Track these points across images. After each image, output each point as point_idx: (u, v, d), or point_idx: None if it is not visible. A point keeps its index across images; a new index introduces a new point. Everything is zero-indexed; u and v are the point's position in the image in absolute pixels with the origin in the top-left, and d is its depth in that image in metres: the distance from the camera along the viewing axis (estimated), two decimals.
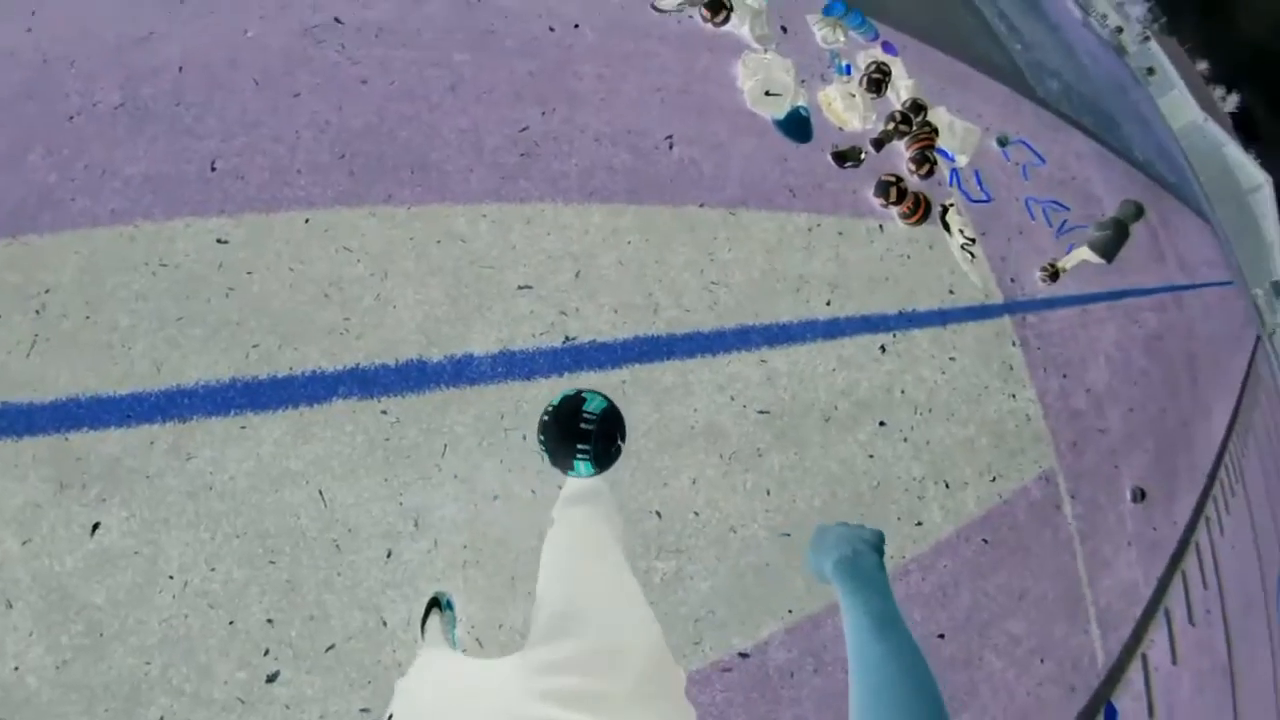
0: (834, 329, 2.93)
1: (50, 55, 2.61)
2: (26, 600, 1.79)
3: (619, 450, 1.20)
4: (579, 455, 1.16)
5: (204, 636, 1.78)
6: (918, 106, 4.30)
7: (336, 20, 2.67)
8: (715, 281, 2.65)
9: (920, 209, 3.76)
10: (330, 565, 1.89)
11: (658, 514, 2.26)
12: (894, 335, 3.21)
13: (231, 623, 1.79)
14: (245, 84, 2.51)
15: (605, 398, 1.19)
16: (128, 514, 1.87)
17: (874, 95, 4.18)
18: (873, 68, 4.26)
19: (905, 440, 2.99)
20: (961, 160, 4.82)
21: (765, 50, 3.69)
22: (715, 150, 2.98)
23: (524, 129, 2.58)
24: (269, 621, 1.80)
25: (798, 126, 3.48)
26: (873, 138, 3.97)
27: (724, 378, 2.54)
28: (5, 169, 2.34)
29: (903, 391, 3.12)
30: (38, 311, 2.10)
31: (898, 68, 4.57)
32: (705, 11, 3.51)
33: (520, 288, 2.29)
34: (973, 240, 4.23)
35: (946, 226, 4.13)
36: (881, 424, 2.96)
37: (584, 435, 1.16)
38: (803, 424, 2.69)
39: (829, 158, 3.54)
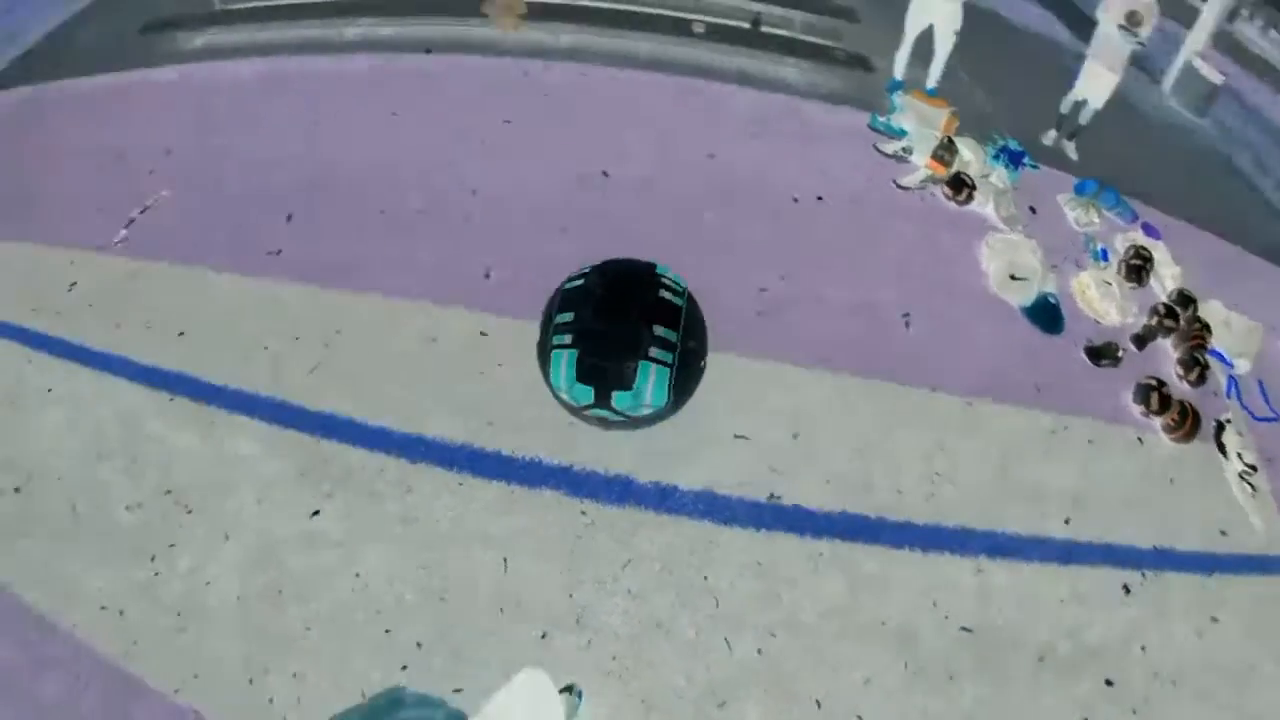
0: (1071, 553, 2.60)
1: (374, 163, 3.48)
2: (240, 541, 2.40)
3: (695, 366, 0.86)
4: (651, 359, 0.77)
5: (360, 631, 2.14)
6: (1185, 299, 3.86)
7: (604, 174, 3.20)
8: (939, 473, 2.53)
9: (1188, 422, 3.28)
10: (490, 625, 2.14)
11: (817, 703, 2.09)
12: (1143, 575, 2.74)
13: (388, 631, 2.13)
14: (522, 212, 3.15)
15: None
16: (345, 514, 2.38)
17: (1134, 284, 3.84)
18: (1132, 253, 3.94)
19: (1134, 713, 2.47)
20: (1241, 366, 4.14)
21: (1012, 231, 3.65)
22: (955, 333, 2.94)
23: (763, 289, 2.80)
24: (418, 645, 2.10)
25: (1047, 315, 3.32)
26: (1133, 334, 3.61)
27: (931, 579, 2.35)
28: (331, 239, 3.12)
29: (1143, 648, 2.61)
30: (325, 345, 2.80)
31: (1161, 253, 4.18)
32: (947, 189, 3.60)
33: (737, 436, 2.40)
34: (1254, 469, 3.56)
35: (1222, 448, 3.54)
36: (1109, 683, 2.48)
37: (671, 317, 0.79)
38: (1011, 656, 2.36)
39: (1082, 353, 3.30)
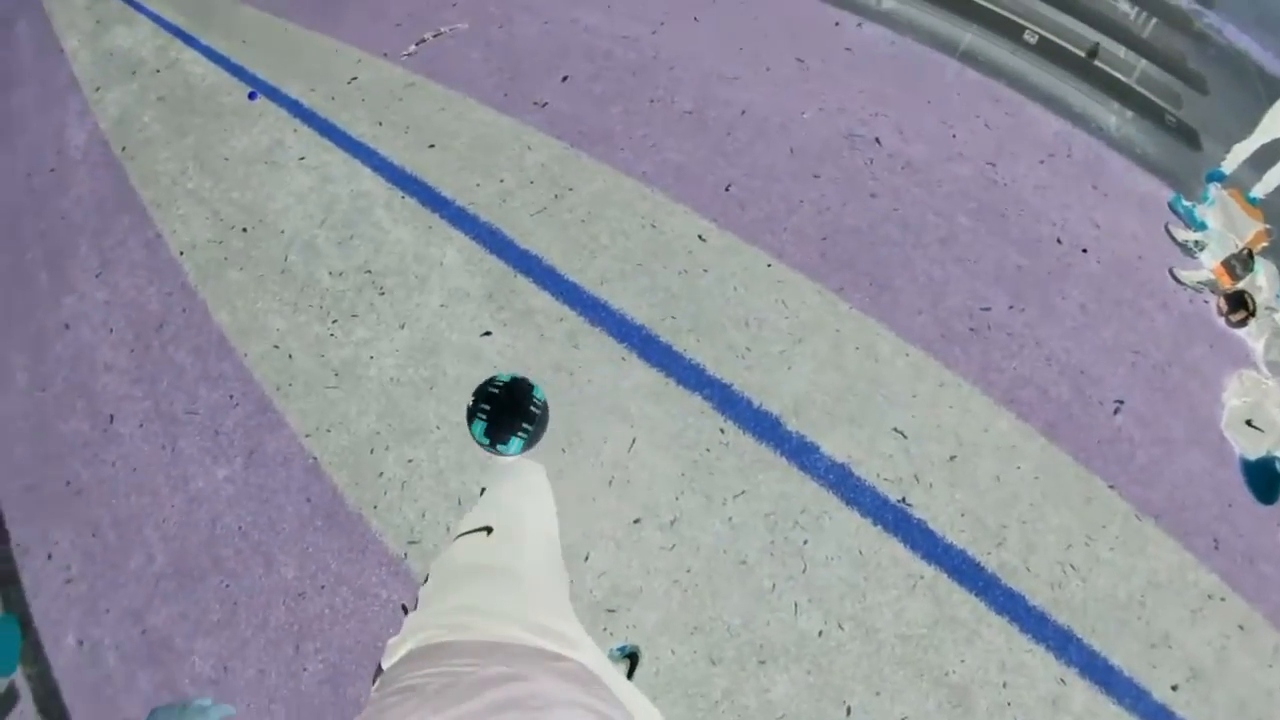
0: (1162, 716, 1.99)
1: (660, 54, 3.13)
2: (413, 332, 2.41)
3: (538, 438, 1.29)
4: (519, 433, 1.21)
5: (477, 448, 2.04)
6: None
7: (877, 140, 2.73)
8: (1075, 566, 2.12)
9: None
10: (594, 490, 2.04)
11: (847, 708, 1.80)
12: None
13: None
14: (783, 146, 2.74)
15: (488, 404, 1.24)
16: (511, 343, 2.32)
17: None
18: None
19: None
20: None
21: (1270, 378, 2.71)
22: (1160, 445, 2.34)
23: (986, 309, 2.30)
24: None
25: (1265, 479, 2.53)
26: None
27: (1014, 660, 1.99)
28: (596, 109, 2.99)
29: None
30: (555, 196, 2.71)
31: None
32: (1223, 303, 2.78)
33: (895, 430, 2.03)
34: None
35: None
36: None
37: (530, 417, 1.22)
38: None
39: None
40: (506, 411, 1.25)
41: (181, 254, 2.92)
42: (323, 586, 2.00)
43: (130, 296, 2.91)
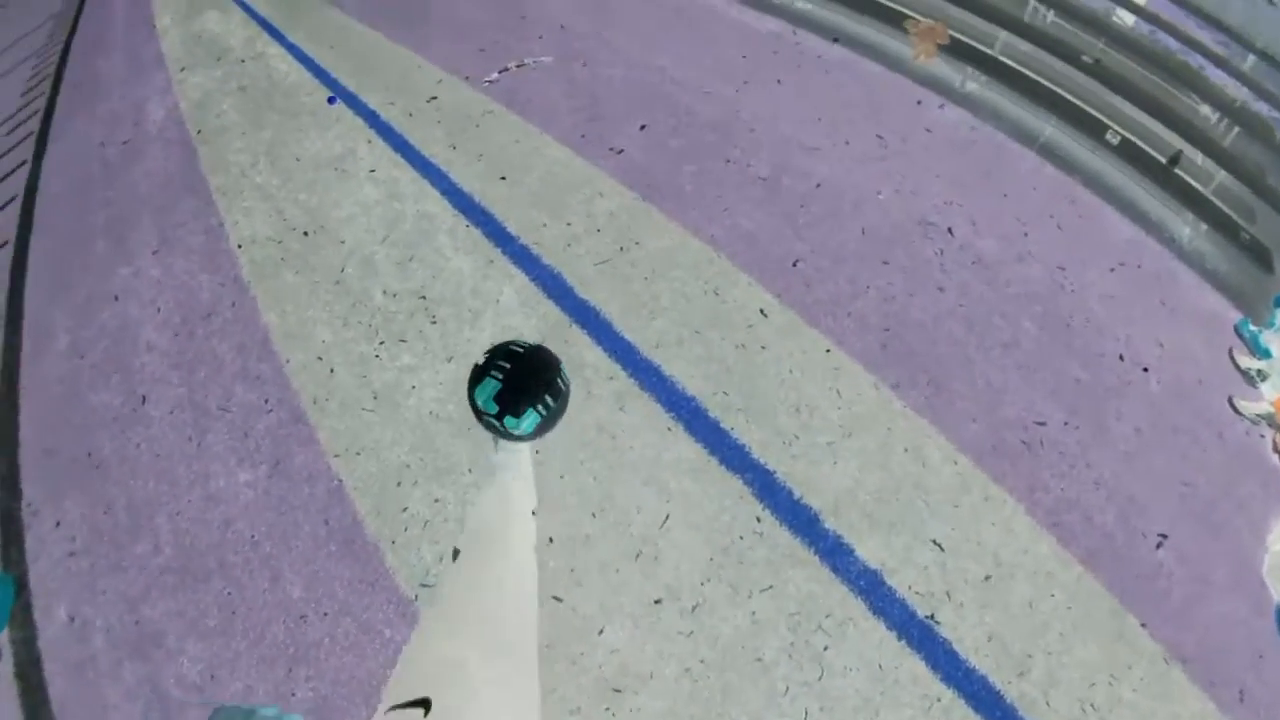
0: None
1: (741, 115, 3.13)
2: (460, 367, 2.27)
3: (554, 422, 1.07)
4: (539, 407, 1.00)
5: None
6: None
7: (949, 231, 2.63)
8: (1095, 706, 2.01)
9: None
10: (619, 561, 1.93)
11: None
12: None
13: (534, 513, 1.94)
14: (855, 226, 2.66)
15: (502, 364, 1.02)
16: None
17: None
18: None
19: None
20: None
21: None
22: (1199, 586, 2.22)
23: (1041, 423, 2.20)
24: (550, 540, 1.88)
25: None
26: None
27: None
28: (671, 163, 2.89)
29: None
30: (620, 248, 2.60)
31: None
32: (1279, 441, 2.54)
33: (934, 542, 1.95)
34: None
35: None
36: None
37: (555, 390, 1.02)
38: None
39: None
40: (527, 378, 1.00)
41: (240, 247, 2.89)
42: (326, 613, 1.92)
43: (183, 280, 2.87)
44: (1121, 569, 2.21)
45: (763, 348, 2.36)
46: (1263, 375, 3.05)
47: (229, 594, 1.99)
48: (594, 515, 2.03)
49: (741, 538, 2.01)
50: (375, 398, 2.32)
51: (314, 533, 2.07)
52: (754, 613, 1.92)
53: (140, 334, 2.71)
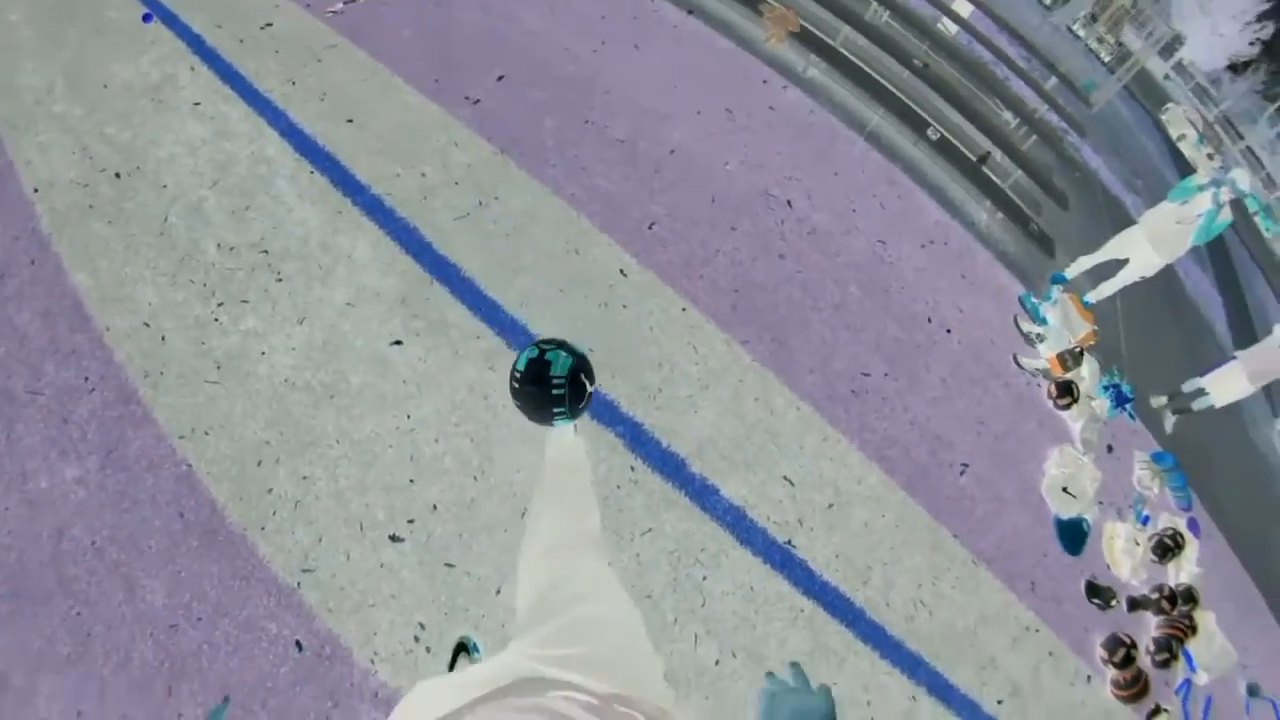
0: None
1: (599, 77, 3.63)
2: (313, 330, 2.54)
3: (590, 395, 1.30)
4: (556, 415, 1.24)
5: (387, 468, 2.31)
6: (1190, 596, 4.18)
7: (789, 203, 3.52)
8: (924, 602, 2.83)
9: (1137, 688, 3.59)
10: (504, 519, 2.31)
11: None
12: None
13: (411, 482, 2.27)
14: (705, 193, 3.37)
15: (568, 351, 1.24)
16: (422, 357, 2.59)
17: (1155, 559, 4.18)
18: (1170, 533, 4.28)
19: None
20: (1201, 677, 4.45)
21: (1084, 454, 3.97)
22: (994, 504, 3.25)
23: (866, 374, 3.13)
24: (434, 507, 2.28)
25: (1073, 536, 3.64)
26: (1131, 595, 3.95)
27: (874, 681, 2.65)
28: (530, 118, 3.37)
29: None
30: (480, 203, 2.99)
31: (1191, 550, 4.51)
32: (1054, 390, 3.93)
33: (784, 478, 2.72)
34: None
35: None
36: None
37: (557, 399, 1.23)
38: None
39: (1082, 584, 3.62)
40: (540, 402, 1.24)
41: (36, 191, 2.75)
42: (199, 618, 1.97)
43: None
44: (934, 492, 3.04)
45: (624, 306, 2.80)
46: (1040, 338, 4.44)
47: (78, 614, 1.95)
48: (475, 479, 2.31)
49: (619, 487, 2.43)
50: (218, 368, 2.34)
51: (167, 528, 2.07)
52: (639, 554, 2.35)
53: None
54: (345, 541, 2.12)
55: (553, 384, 1.23)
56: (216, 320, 2.45)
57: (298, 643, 1.95)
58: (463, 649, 2.13)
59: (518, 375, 1.21)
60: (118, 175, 2.77)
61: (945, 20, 5.89)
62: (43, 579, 2.00)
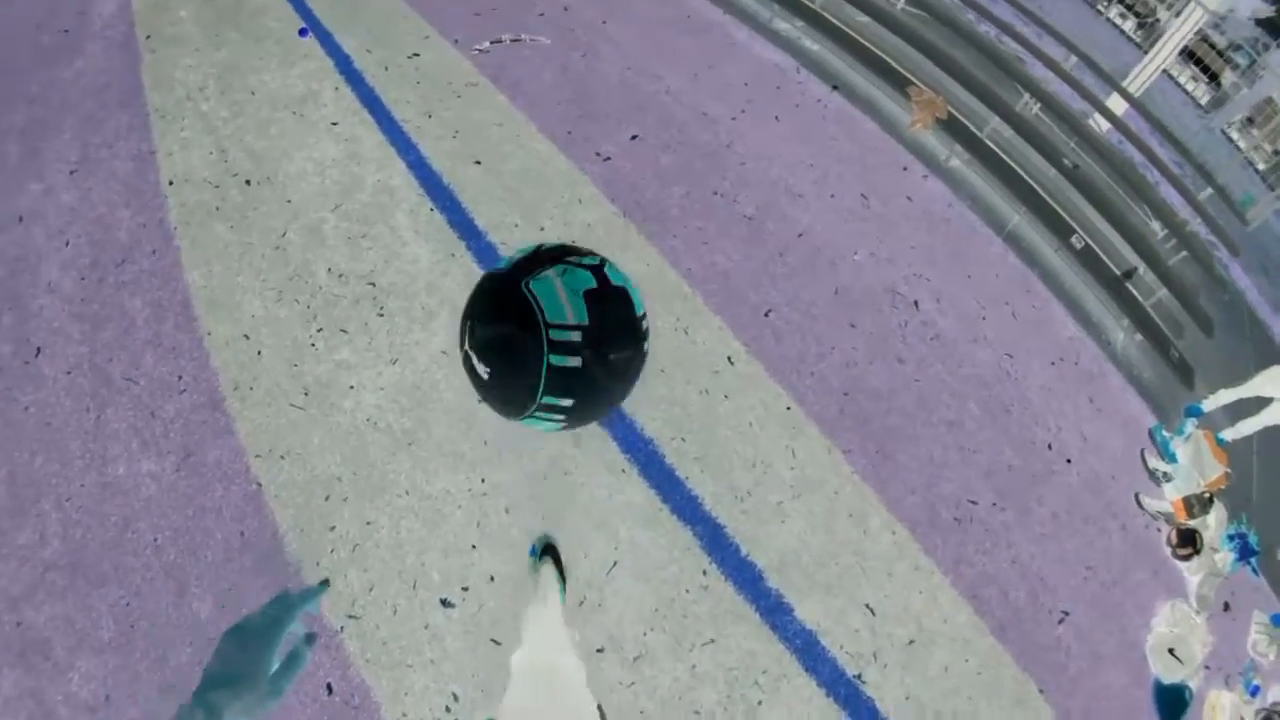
0: None
1: (734, 145, 3.48)
2: (405, 373, 2.36)
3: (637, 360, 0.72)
4: (537, 409, 0.65)
5: (450, 527, 2.13)
6: None
7: (915, 304, 3.13)
8: None
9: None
10: (566, 609, 2.10)
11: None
12: None
13: (474, 547, 2.10)
14: (829, 283, 3.05)
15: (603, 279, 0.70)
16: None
17: None
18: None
19: None
20: None
21: (1197, 612, 3.34)
22: (1090, 659, 2.77)
23: (973, 502, 2.72)
24: (491, 579, 2.04)
25: (1171, 705, 3.06)
26: None
27: None
28: (658, 182, 3.16)
29: None
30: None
31: None
32: (1174, 537, 3.33)
33: (866, 606, 2.40)
34: None
35: None
36: None
37: (554, 376, 0.63)
38: None
39: None
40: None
41: (170, 184, 2.76)
42: None
43: (99, 212, 2.71)
44: (1026, 640, 2.61)
45: (725, 397, 2.55)
46: (1167, 477, 3.84)
47: (127, 604, 1.91)
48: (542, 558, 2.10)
49: (687, 591, 2.17)
50: (306, 394, 2.25)
51: (227, 542, 2.00)
52: (694, 666, 2.09)
53: (43, 270, 2.52)
54: (396, 596, 2.00)
55: (550, 334, 0.61)
56: (313, 345, 2.37)
57: (329, 686, 1.85)
58: (551, 550, 2.07)
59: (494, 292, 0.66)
60: (248, 182, 2.76)
61: (1097, 116, 5.15)
62: (101, 562, 1.98)
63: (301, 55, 3.32)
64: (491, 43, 3.51)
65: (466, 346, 0.66)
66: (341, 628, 1.93)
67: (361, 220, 2.71)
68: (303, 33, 3.40)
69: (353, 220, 2.71)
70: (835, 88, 3.97)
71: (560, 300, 0.62)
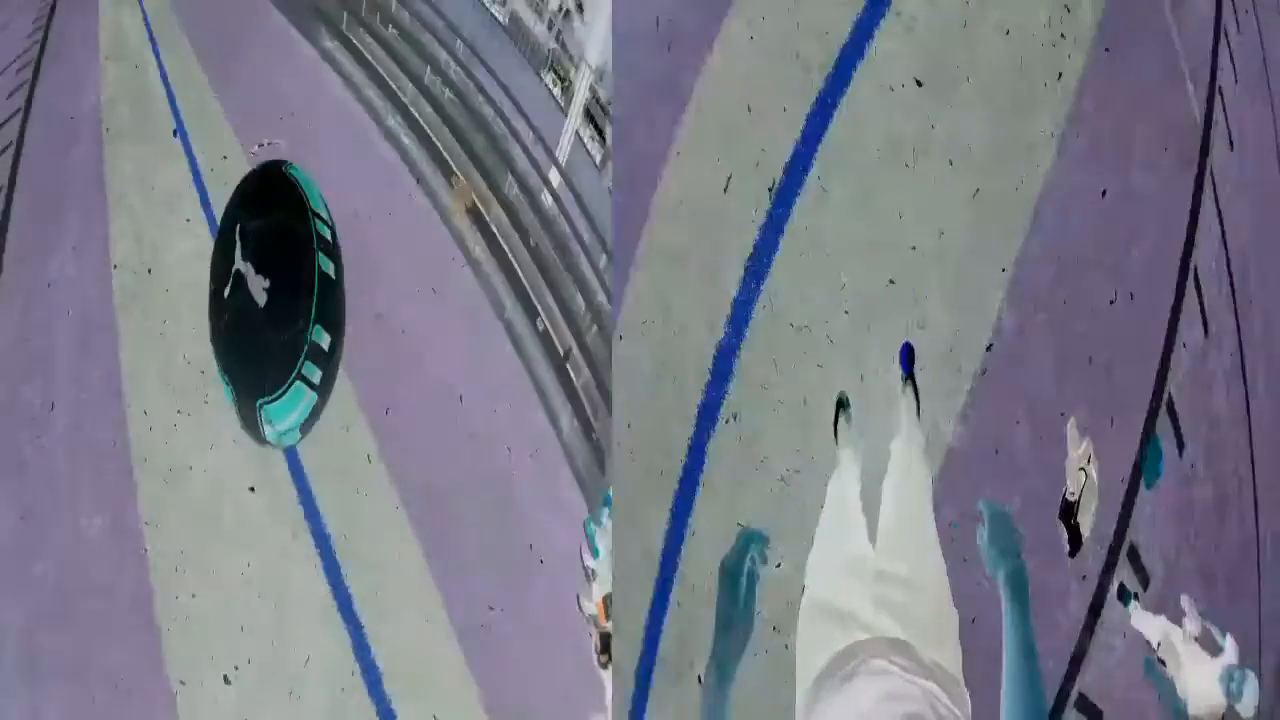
0: None
1: None
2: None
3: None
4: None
5: None
6: None
7: None
8: None
9: None
10: None
11: None
12: None
13: None
14: None
15: None
16: None
17: None
18: None
19: None
20: None
21: None
22: None
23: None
24: None
25: None
26: None
27: None
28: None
29: None
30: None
31: None
32: (599, 641, 2.76)
33: None
34: None
35: None
36: None
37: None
38: None
39: None
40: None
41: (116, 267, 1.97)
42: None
43: (83, 290, 1.88)
44: None
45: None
46: (595, 574, 2.25)
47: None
48: None
49: None
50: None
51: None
52: None
53: (57, 333, 1.97)
54: None
55: (317, 227, 0.54)
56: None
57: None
58: (842, 406, 1.93)
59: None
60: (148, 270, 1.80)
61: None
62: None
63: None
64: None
65: (238, 263, 0.60)
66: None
67: None
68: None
69: None
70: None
71: (317, 189, 0.59)
